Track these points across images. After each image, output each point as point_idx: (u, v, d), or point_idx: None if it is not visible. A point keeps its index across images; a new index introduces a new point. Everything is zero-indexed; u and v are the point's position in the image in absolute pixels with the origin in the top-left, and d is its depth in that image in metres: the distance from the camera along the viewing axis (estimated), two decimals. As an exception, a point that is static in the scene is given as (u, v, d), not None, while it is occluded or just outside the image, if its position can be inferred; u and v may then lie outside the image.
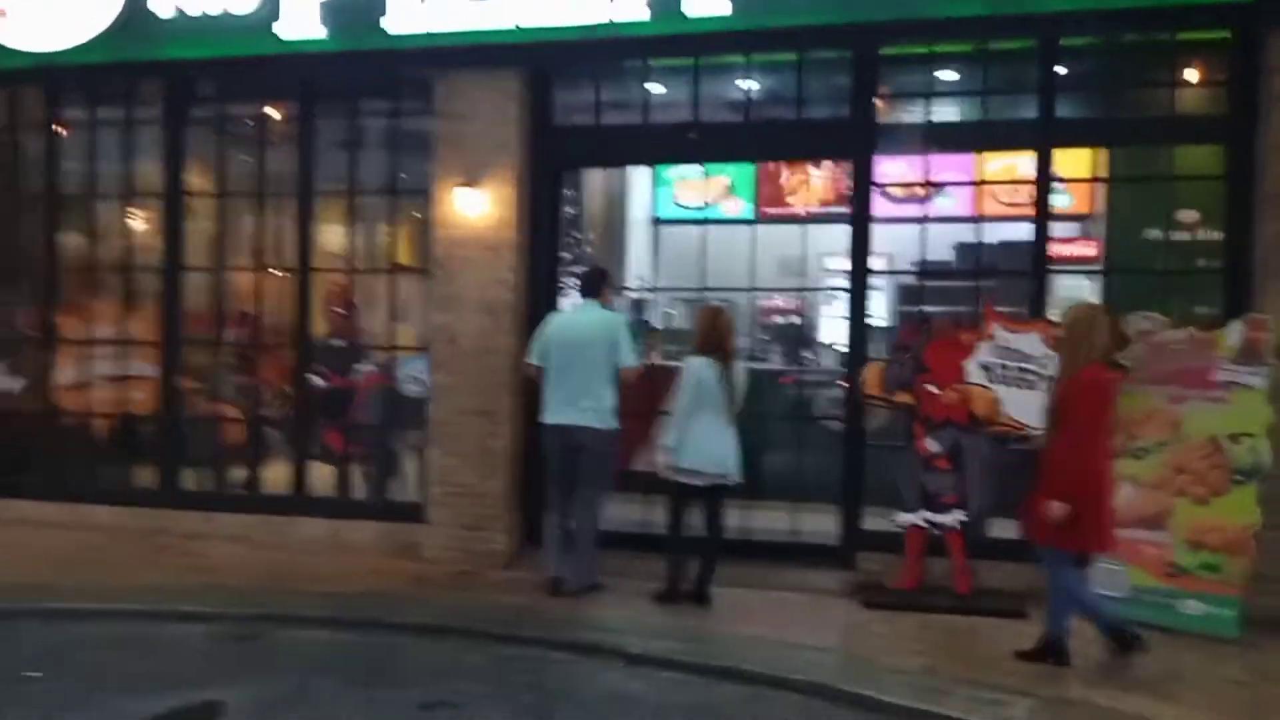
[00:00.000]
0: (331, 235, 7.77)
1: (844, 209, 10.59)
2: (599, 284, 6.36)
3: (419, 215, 7.30)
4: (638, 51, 6.74)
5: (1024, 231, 9.58)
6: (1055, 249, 9.70)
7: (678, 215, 10.98)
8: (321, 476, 7.61)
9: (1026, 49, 6.40)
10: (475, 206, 6.79)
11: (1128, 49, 6.43)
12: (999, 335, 6.07)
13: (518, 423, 6.94)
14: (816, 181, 10.77)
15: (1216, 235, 6.87)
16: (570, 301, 7.16)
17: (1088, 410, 4.80)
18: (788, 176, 10.86)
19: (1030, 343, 6.01)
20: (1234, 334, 5.66)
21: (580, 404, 6.09)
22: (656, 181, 11.02)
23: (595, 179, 10.63)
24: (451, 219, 6.88)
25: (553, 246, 7.14)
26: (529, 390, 6.80)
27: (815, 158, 7.04)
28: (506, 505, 6.86)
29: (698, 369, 5.93)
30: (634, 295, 9.85)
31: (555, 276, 7.20)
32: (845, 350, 9.29)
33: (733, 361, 5.95)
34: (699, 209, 10.87)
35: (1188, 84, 6.41)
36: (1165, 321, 5.85)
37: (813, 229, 10.97)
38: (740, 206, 10.93)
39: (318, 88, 7.36)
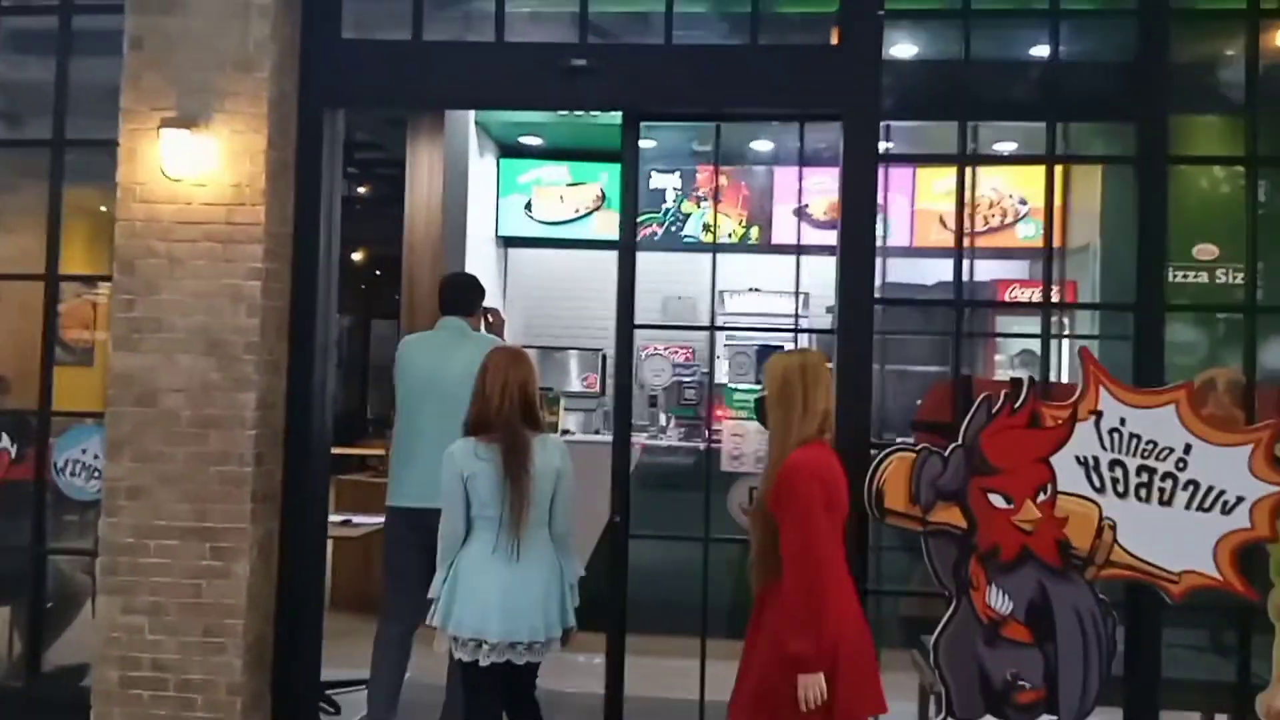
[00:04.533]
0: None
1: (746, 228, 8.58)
2: (472, 297, 4.26)
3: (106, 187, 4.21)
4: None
5: (993, 269, 7.65)
6: (1014, 292, 7.92)
7: (532, 233, 8.26)
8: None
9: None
10: (193, 162, 3.80)
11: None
12: (1109, 410, 3.57)
13: (268, 551, 3.95)
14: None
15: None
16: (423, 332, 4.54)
17: (804, 518, 2.94)
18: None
19: (1163, 423, 3.54)
20: None
21: None
22: (503, 187, 8.26)
23: (419, 180, 7.77)
24: (150, 185, 3.86)
25: (333, 240, 4.19)
26: (300, 487, 3.92)
27: (793, 112, 4.29)
28: (245, 702, 3.81)
29: (460, 461, 3.32)
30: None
31: (334, 292, 4.26)
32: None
33: (525, 445, 3.31)
34: (561, 224, 8.21)
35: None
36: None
37: (705, 258, 8.70)
38: (618, 224, 8.26)
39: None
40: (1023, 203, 7.68)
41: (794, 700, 2.93)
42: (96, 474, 4.08)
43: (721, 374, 8.57)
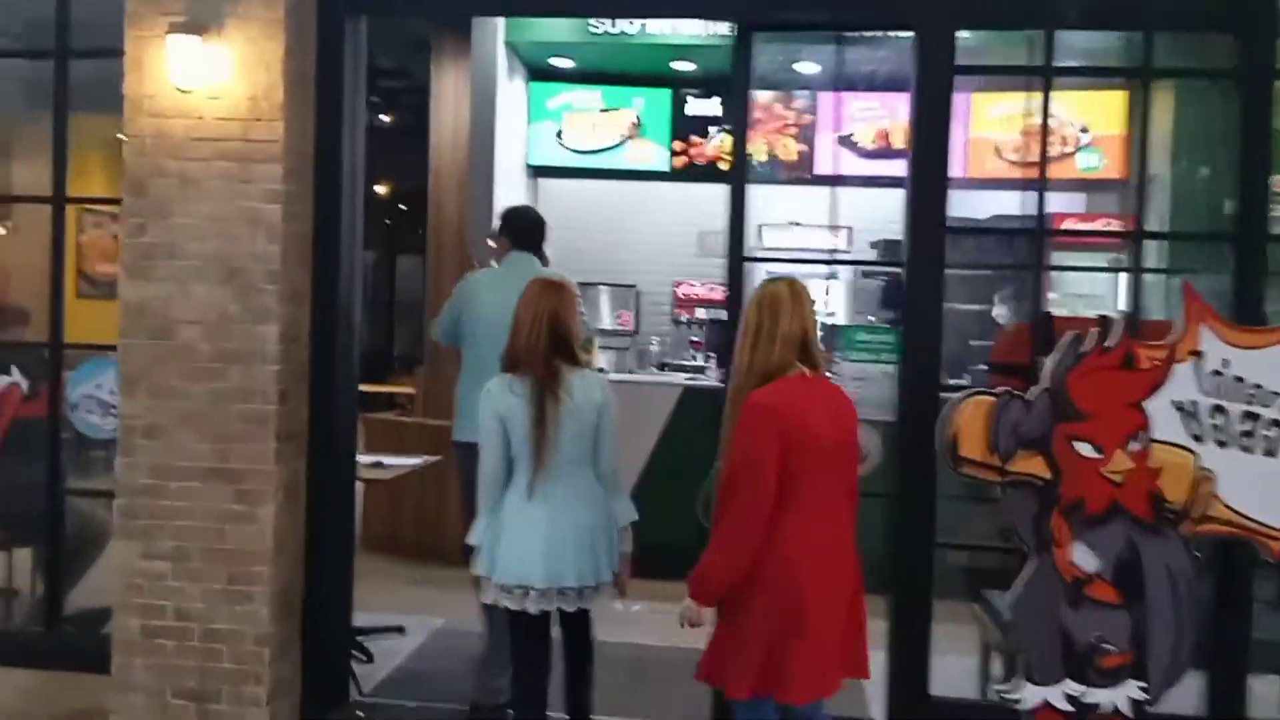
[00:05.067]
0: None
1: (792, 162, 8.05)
2: (543, 233, 4.20)
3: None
4: None
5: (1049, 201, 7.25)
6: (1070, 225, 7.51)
7: (563, 162, 7.90)
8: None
9: None
10: (205, 72, 3.49)
11: None
12: (1211, 350, 3.24)
13: (294, 493, 3.72)
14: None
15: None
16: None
17: (749, 460, 2.70)
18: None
19: (1272, 365, 3.21)
20: None
21: None
22: (533, 113, 7.88)
23: (444, 105, 7.42)
24: (159, 98, 3.56)
25: (357, 160, 3.88)
26: (327, 426, 3.68)
27: (861, 21, 3.92)
28: (273, 652, 3.61)
29: (495, 398, 3.11)
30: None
31: (359, 216, 3.95)
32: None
33: (555, 378, 3.07)
34: (594, 153, 7.84)
35: None
36: None
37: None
38: (652, 153, 7.88)
39: None
40: (1084, 131, 7.23)
41: (731, 642, 2.75)
42: (113, 410, 3.85)
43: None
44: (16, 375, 4.07)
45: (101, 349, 3.93)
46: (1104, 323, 3.33)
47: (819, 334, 2.93)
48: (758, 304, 2.83)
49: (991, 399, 3.28)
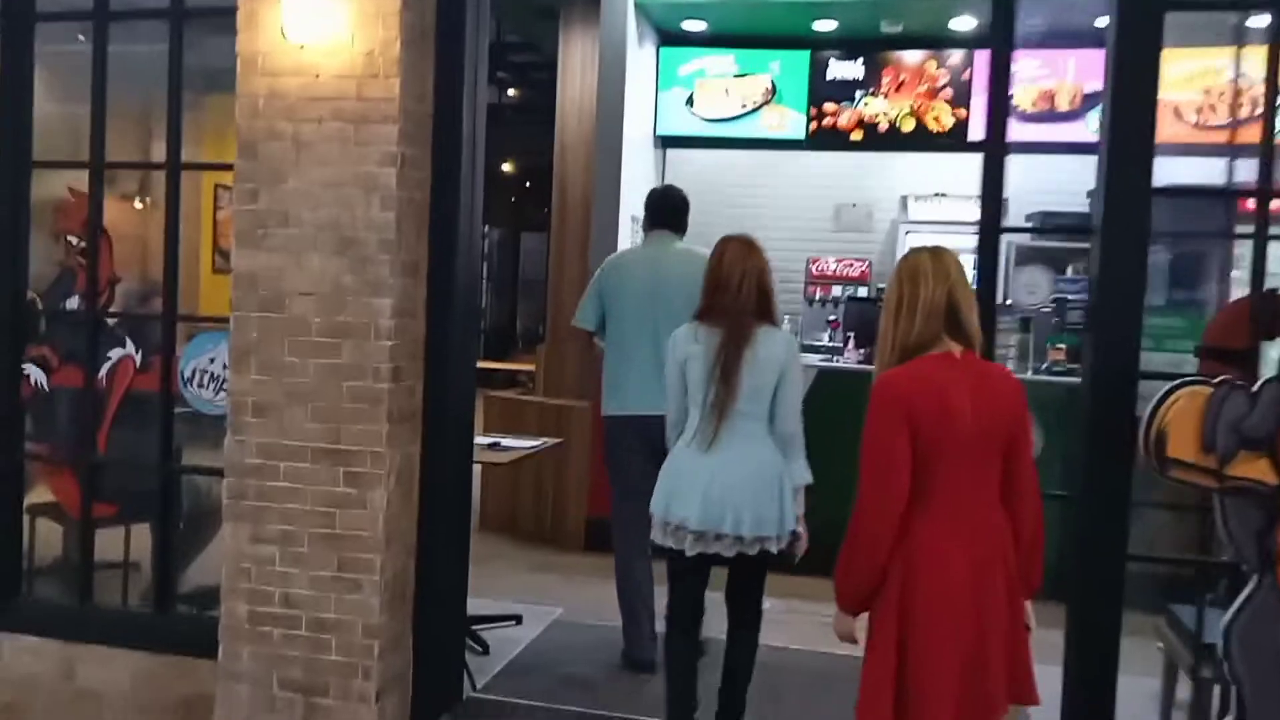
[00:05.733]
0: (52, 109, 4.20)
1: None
2: (681, 210, 4.33)
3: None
4: None
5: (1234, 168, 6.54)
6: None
7: (694, 131, 7.52)
8: (44, 559, 4.11)
9: None
10: (321, 25, 3.25)
11: None
12: None
13: (407, 477, 3.48)
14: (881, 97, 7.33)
15: None
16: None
17: (872, 447, 2.37)
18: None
19: None
20: None
21: None
22: (663, 81, 7.52)
23: (571, 75, 7.13)
24: (272, 55, 3.33)
25: (478, 123, 3.59)
26: (443, 406, 3.48)
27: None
28: (383, 645, 3.39)
29: (679, 346, 3.23)
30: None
31: (478, 183, 3.65)
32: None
33: (746, 333, 3.11)
34: (727, 121, 7.43)
35: None
36: None
37: (876, 160, 7.81)
38: (788, 120, 7.42)
39: None
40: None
41: (867, 666, 2.40)
42: (225, 385, 3.68)
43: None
44: (130, 348, 3.96)
45: (217, 321, 3.76)
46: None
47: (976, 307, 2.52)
48: (897, 277, 2.50)
49: (1208, 390, 2.77)
